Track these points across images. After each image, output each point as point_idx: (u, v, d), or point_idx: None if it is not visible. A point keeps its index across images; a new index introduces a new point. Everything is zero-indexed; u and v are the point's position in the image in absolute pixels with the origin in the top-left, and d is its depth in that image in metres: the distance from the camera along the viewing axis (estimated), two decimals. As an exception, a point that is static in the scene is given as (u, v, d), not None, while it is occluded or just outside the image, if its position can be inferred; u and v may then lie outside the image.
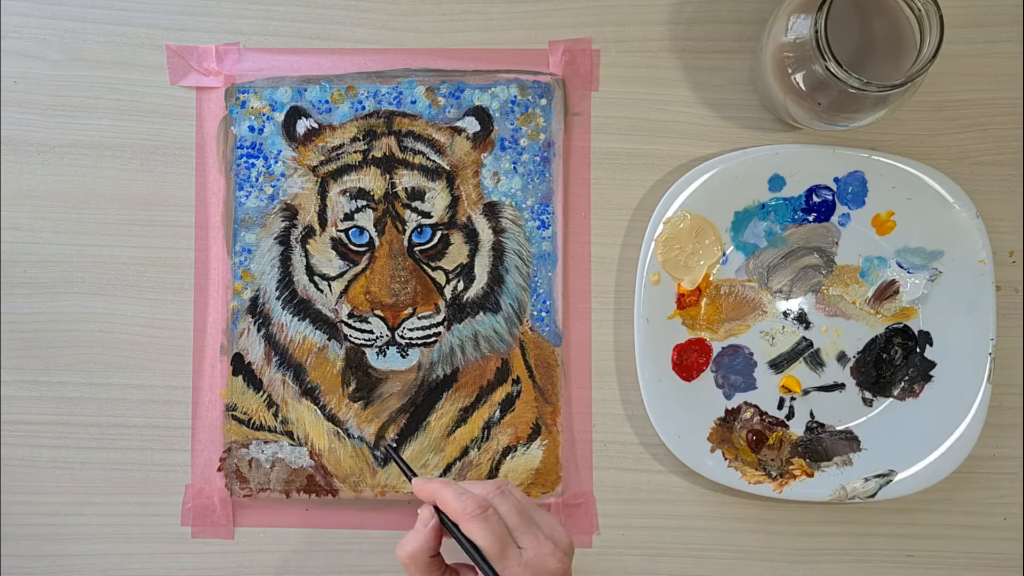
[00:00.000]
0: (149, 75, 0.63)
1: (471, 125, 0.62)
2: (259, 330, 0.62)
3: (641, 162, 0.62)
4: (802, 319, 0.61)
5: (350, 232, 0.61)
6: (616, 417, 0.62)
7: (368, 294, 0.61)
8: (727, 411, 0.61)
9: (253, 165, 0.62)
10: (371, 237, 0.61)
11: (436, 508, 0.52)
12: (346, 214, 0.61)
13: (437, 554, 0.52)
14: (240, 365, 0.62)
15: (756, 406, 0.61)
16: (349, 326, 0.61)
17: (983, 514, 0.62)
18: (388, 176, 0.62)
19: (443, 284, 0.61)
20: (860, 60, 0.55)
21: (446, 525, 0.51)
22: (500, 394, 0.62)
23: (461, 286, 0.62)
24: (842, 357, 0.61)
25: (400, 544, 0.51)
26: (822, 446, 0.61)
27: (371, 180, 0.62)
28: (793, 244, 0.61)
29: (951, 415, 0.59)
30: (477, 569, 0.50)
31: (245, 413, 0.62)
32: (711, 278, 0.61)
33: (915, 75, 0.51)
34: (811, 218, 0.61)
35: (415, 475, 0.55)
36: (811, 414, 0.61)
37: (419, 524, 0.52)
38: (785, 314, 0.61)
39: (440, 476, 0.62)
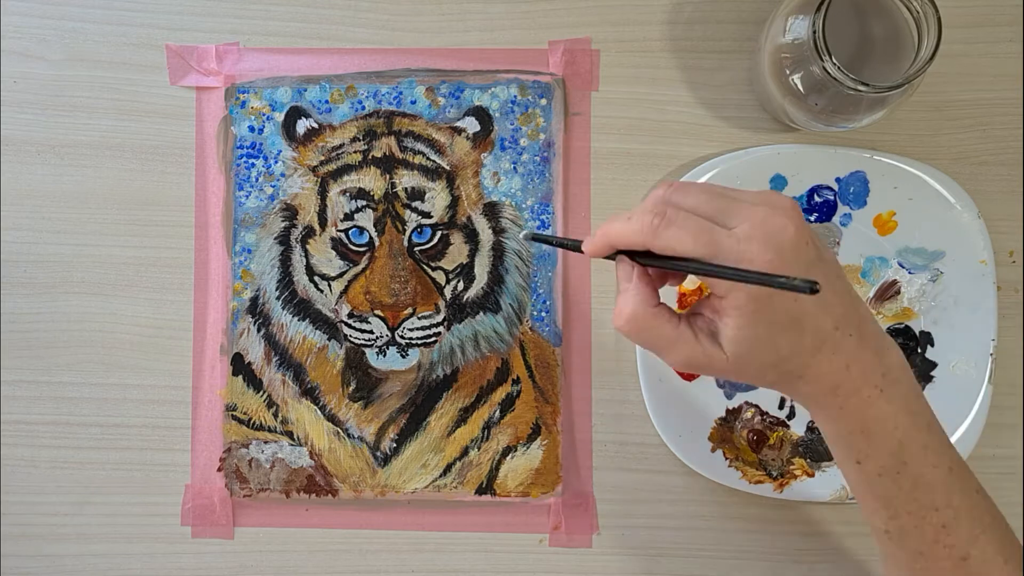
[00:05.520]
0: (149, 75, 0.63)
1: (471, 125, 0.62)
2: (259, 330, 0.62)
3: (641, 162, 0.62)
4: (802, 319, 0.61)
5: (350, 232, 0.61)
6: (616, 417, 0.62)
7: (368, 294, 0.61)
8: (728, 411, 0.61)
9: (253, 165, 0.62)
10: (371, 237, 0.61)
11: (626, 254, 0.44)
12: (346, 214, 0.61)
13: (658, 303, 0.44)
14: (240, 365, 0.62)
15: (757, 406, 0.61)
16: (349, 326, 0.61)
17: (984, 514, 0.62)
18: (388, 176, 0.62)
19: (443, 284, 0.61)
20: (858, 61, 0.55)
21: (645, 263, 0.44)
22: (500, 394, 0.62)
23: (461, 286, 0.62)
24: (842, 357, 0.61)
25: (613, 316, 0.44)
26: (823, 446, 0.61)
27: (371, 180, 0.62)
28: (793, 244, 0.61)
29: (952, 415, 0.59)
30: (708, 281, 0.42)
31: (245, 413, 0.62)
32: (711, 278, 0.61)
33: (912, 76, 0.51)
34: (813, 218, 0.61)
35: (579, 242, 0.47)
36: (811, 414, 0.61)
37: (622, 283, 0.44)
38: (785, 314, 0.61)
39: (440, 477, 0.62)
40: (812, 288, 0.36)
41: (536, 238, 0.52)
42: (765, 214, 0.41)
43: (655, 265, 0.44)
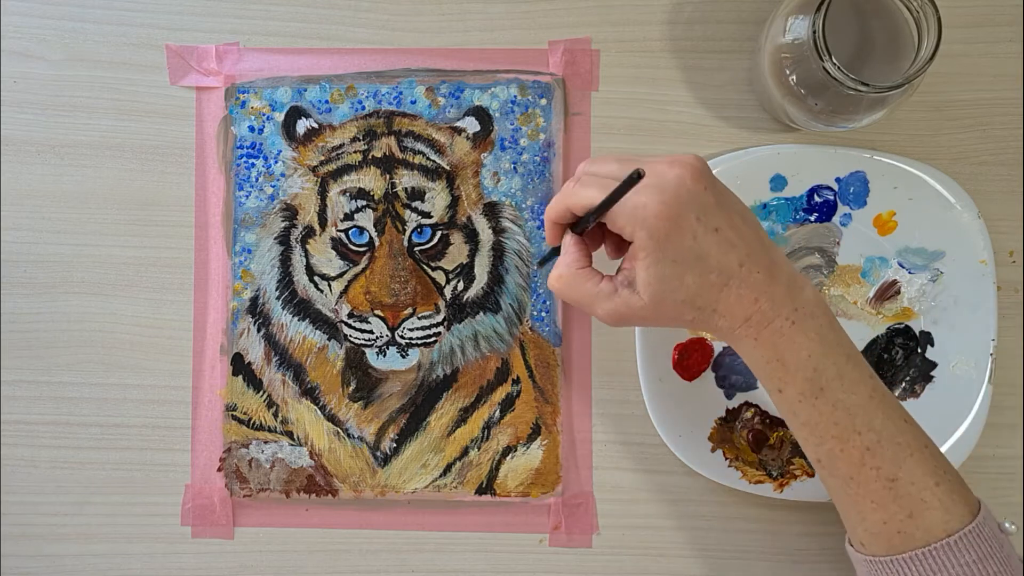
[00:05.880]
0: (149, 75, 0.63)
1: (471, 125, 0.62)
2: (259, 330, 0.62)
3: (641, 162, 0.62)
4: (802, 319, 0.61)
5: (350, 232, 0.61)
6: (616, 417, 0.62)
7: (368, 294, 0.61)
8: (728, 411, 0.61)
9: (253, 165, 0.62)
10: (371, 237, 0.61)
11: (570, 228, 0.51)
12: (346, 214, 0.61)
13: (585, 265, 0.50)
14: (240, 365, 0.62)
15: (757, 406, 0.61)
16: (349, 326, 0.61)
17: (984, 514, 0.62)
18: (388, 176, 0.62)
19: (443, 284, 0.61)
20: (858, 61, 0.55)
21: (579, 229, 0.51)
22: (500, 394, 0.62)
23: (461, 286, 0.62)
24: (842, 357, 0.61)
25: (550, 277, 0.51)
26: (822, 446, 0.61)
27: (371, 180, 0.62)
28: (794, 244, 0.61)
29: (952, 415, 0.59)
30: (623, 228, 0.47)
31: (245, 413, 0.62)
32: (711, 278, 0.61)
33: (912, 76, 0.51)
34: (812, 218, 0.61)
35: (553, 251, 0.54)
36: (811, 414, 0.61)
37: (561, 251, 0.51)
38: (785, 314, 0.61)
39: (440, 477, 0.62)
40: (637, 174, 0.43)
41: (542, 263, 0.60)
42: (664, 167, 0.46)
43: (586, 227, 0.50)
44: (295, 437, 0.62)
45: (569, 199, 0.49)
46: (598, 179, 0.48)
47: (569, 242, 0.51)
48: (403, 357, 0.62)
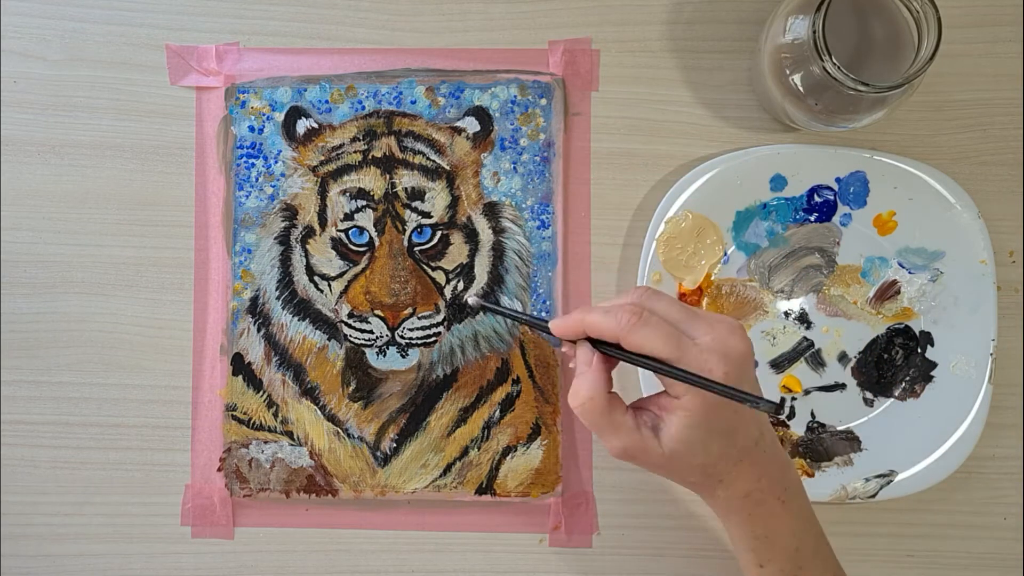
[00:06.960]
0: (149, 75, 0.63)
1: (471, 125, 0.62)
2: (259, 330, 0.62)
3: (641, 162, 0.62)
4: (803, 319, 0.61)
5: (350, 232, 0.61)
6: (616, 417, 0.62)
7: (368, 294, 0.61)
8: (727, 411, 0.61)
9: (253, 165, 0.62)
10: (371, 237, 0.61)
11: (590, 341, 0.48)
12: (346, 214, 0.61)
13: (612, 390, 0.48)
14: (240, 365, 0.62)
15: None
16: (349, 326, 0.61)
17: (983, 514, 0.62)
18: (388, 176, 0.62)
19: (443, 284, 0.61)
20: (858, 61, 0.55)
21: (609, 353, 0.47)
22: (500, 394, 0.62)
23: (461, 286, 0.62)
24: (843, 357, 0.61)
25: (570, 395, 0.47)
26: (823, 446, 0.61)
27: (371, 180, 0.62)
28: (794, 244, 0.61)
29: (952, 415, 0.59)
30: (667, 381, 0.46)
31: (245, 413, 0.62)
32: (712, 278, 0.61)
33: (912, 76, 0.51)
34: (812, 218, 0.61)
35: (546, 322, 0.51)
36: (812, 414, 0.61)
37: (581, 366, 0.48)
38: (786, 314, 0.61)
39: (440, 477, 0.62)
40: (777, 408, 0.41)
41: (486, 308, 0.58)
42: (725, 331, 0.46)
43: (619, 356, 0.47)
44: (295, 437, 0.62)
45: (628, 335, 0.45)
46: (665, 327, 0.45)
47: (596, 361, 0.48)
48: (403, 357, 0.62)
